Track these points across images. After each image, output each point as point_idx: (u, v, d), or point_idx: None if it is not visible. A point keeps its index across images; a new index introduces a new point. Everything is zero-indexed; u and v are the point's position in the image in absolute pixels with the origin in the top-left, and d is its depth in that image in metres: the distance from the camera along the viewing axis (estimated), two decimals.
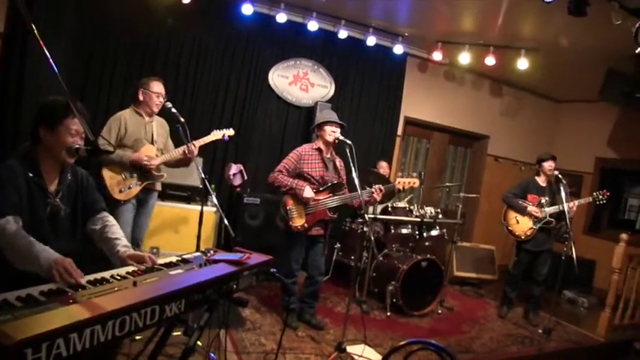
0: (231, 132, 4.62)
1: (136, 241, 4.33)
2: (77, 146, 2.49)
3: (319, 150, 4.65)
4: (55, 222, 2.52)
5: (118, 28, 5.71)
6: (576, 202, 5.61)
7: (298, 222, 4.51)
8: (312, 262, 4.72)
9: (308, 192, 4.45)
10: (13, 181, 2.34)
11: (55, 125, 2.44)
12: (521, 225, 5.81)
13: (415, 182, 4.80)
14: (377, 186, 4.58)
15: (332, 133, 4.53)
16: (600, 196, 5.67)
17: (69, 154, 2.50)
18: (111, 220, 2.80)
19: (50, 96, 2.49)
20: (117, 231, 2.72)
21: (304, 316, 4.83)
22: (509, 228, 5.93)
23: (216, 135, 4.52)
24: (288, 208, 4.51)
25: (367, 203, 4.46)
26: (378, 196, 4.58)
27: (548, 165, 5.77)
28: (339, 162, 4.81)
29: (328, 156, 4.70)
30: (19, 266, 2.18)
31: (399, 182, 4.78)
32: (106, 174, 4.07)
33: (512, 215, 5.91)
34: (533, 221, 5.72)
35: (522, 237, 5.81)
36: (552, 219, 5.66)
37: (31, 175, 2.42)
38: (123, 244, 2.63)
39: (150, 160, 4.16)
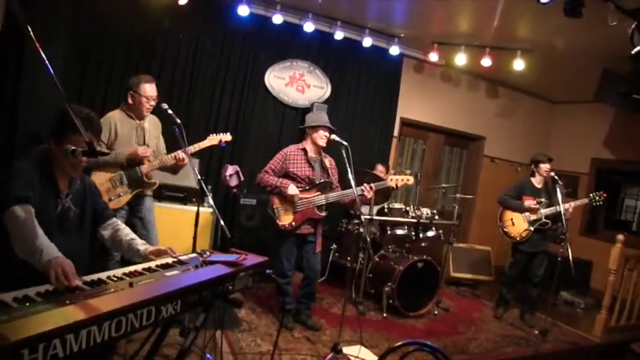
0: (228, 137, 4.45)
1: None
2: (73, 148, 2.49)
3: (304, 151, 4.67)
4: (64, 221, 2.57)
5: (115, 29, 5.71)
6: (572, 204, 5.59)
7: (285, 220, 4.54)
8: (306, 262, 4.73)
9: (292, 189, 4.48)
10: (30, 175, 2.41)
11: (61, 139, 2.45)
12: (517, 226, 5.82)
13: (409, 179, 4.76)
14: (367, 184, 4.59)
15: (325, 136, 4.58)
16: (597, 198, 5.66)
17: (74, 168, 2.57)
18: (120, 224, 2.93)
19: (67, 105, 2.48)
20: (129, 232, 2.86)
21: (300, 317, 4.83)
22: (505, 229, 5.93)
23: (212, 140, 4.37)
24: (274, 207, 4.56)
25: (360, 202, 4.46)
26: (368, 194, 4.58)
27: (544, 167, 5.75)
28: (328, 161, 4.81)
29: (314, 156, 4.71)
30: (20, 254, 2.21)
31: (391, 179, 4.76)
32: (95, 181, 3.84)
33: (508, 217, 5.91)
34: (529, 222, 5.73)
35: (518, 238, 5.81)
36: (548, 220, 5.67)
37: (45, 173, 2.49)
38: (141, 243, 2.76)
39: (145, 152, 4.00)
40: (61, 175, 2.56)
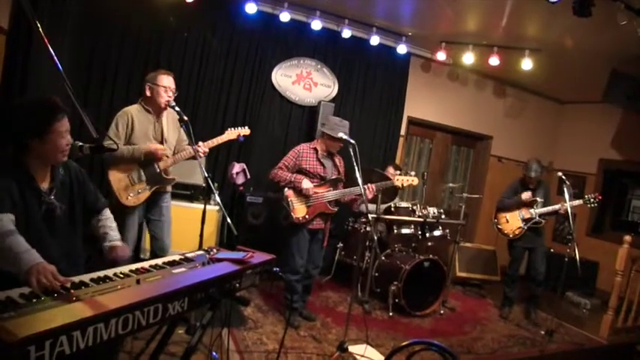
0: (246, 131, 4.38)
1: (161, 252, 4.10)
2: (80, 144, 2.47)
3: (315, 150, 4.77)
4: (52, 221, 2.43)
5: (122, 26, 5.71)
6: (566, 204, 5.59)
7: (300, 213, 4.61)
8: (309, 255, 4.80)
9: (306, 183, 4.58)
10: (3, 182, 2.25)
11: (45, 134, 2.31)
12: (511, 224, 5.92)
13: (414, 180, 4.91)
14: (370, 184, 4.74)
15: (339, 147, 4.72)
16: (592, 199, 5.67)
17: (64, 154, 2.43)
18: (106, 214, 2.83)
19: (26, 100, 2.36)
20: (110, 224, 2.78)
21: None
22: (499, 226, 6.05)
23: (230, 134, 4.29)
24: (289, 200, 4.63)
25: (363, 200, 4.51)
26: (370, 193, 4.73)
27: (529, 180, 5.89)
28: (338, 159, 4.91)
29: (325, 154, 4.80)
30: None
31: (397, 179, 4.89)
32: (113, 177, 3.82)
33: (503, 214, 6.01)
34: (522, 220, 5.81)
35: (511, 235, 5.92)
36: (542, 219, 5.75)
37: (21, 176, 2.33)
38: (108, 240, 2.69)
39: (162, 151, 3.93)
40: (40, 172, 2.41)
